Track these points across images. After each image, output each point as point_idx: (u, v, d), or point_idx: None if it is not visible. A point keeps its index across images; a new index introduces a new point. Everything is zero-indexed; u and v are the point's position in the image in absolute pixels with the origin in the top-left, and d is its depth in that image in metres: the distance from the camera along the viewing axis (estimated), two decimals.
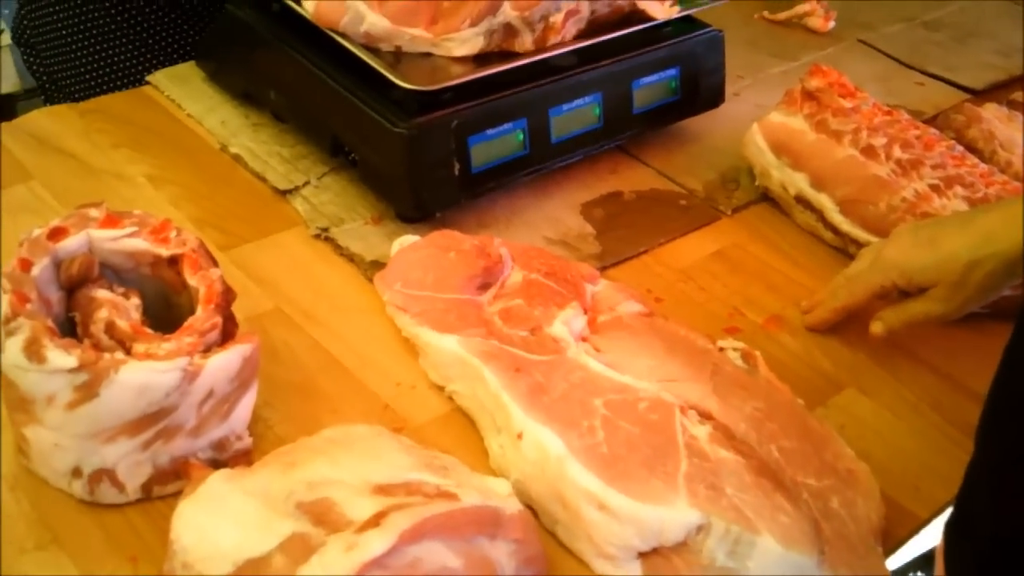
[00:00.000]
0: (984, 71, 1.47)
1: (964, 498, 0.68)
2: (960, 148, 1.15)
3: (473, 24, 1.04)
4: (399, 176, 1.03)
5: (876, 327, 0.97)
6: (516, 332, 0.88)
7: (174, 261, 0.83)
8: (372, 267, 1.01)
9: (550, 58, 1.09)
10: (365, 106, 1.03)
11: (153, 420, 0.75)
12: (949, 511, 0.69)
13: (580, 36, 1.11)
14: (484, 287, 0.94)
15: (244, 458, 0.81)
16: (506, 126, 1.06)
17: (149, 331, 0.78)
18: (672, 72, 1.18)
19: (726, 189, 1.19)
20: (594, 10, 1.10)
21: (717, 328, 1.00)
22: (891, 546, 0.83)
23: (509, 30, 1.05)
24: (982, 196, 1.07)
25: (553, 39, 1.08)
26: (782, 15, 1.56)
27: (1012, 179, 1.14)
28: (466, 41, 1.04)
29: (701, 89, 1.21)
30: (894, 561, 0.86)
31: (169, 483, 0.79)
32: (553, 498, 0.78)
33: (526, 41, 1.06)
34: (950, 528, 0.68)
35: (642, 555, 0.76)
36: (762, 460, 0.79)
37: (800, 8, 1.55)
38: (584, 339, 0.89)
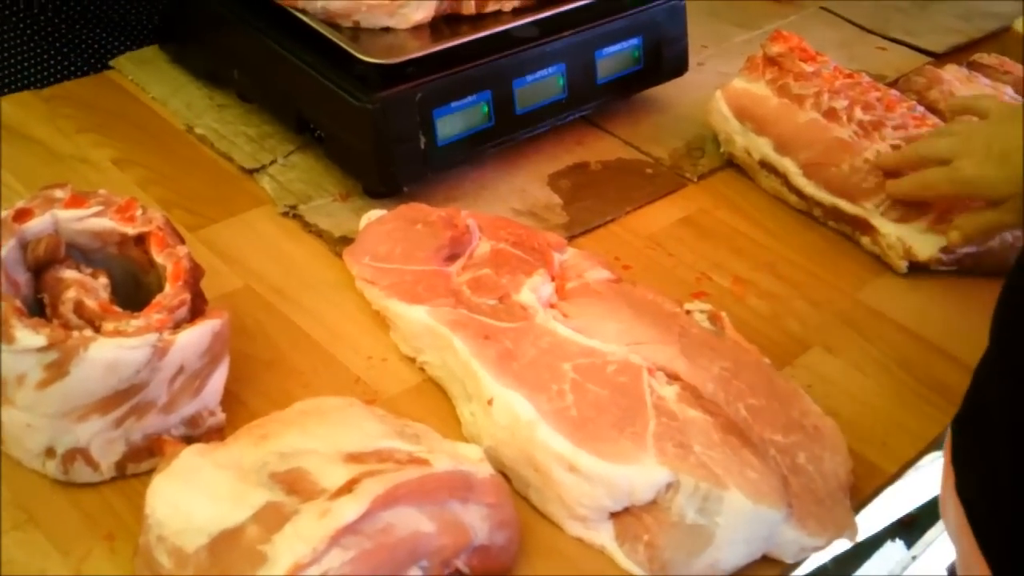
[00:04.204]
0: (945, 35, 1.48)
1: (975, 391, 0.70)
2: (921, 109, 1.16)
3: None
4: (365, 151, 1.03)
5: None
6: (484, 301, 0.89)
7: (141, 240, 0.83)
8: (340, 243, 1.01)
9: (512, 29, 1.09)
10: (329, 82, 1.03)
11: (124, 397, 0.75)
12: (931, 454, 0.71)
13: (541, 5, 1.11)
14: (452, 258, 0.94)
15: (217, 434, 0.81)
16: (470, 98, 1.06)
17: (118, 309, 0.78)
18: (635, 41, 1.18)
19: (691, 156, 1.20)
20: None
21: (685, 293, 1.01)
22: (860, 500, 0.84)
23: None
24: None
25: (493, 6, 1.09)
26: None
27: None
28: (420, 7, 1.04)
29: (664, 58, 1.22)
30: (869, 528, 0.86)
31: (143, 460, 0.79)
32: (525, 462, 0.79)
33: (471, 5, 1.07)
34: (958, 421, 0.71)
35: (614, 515, 0.77)
36: (729, 418, 0.80)
37: None
38: (552, 306, 0.90)
